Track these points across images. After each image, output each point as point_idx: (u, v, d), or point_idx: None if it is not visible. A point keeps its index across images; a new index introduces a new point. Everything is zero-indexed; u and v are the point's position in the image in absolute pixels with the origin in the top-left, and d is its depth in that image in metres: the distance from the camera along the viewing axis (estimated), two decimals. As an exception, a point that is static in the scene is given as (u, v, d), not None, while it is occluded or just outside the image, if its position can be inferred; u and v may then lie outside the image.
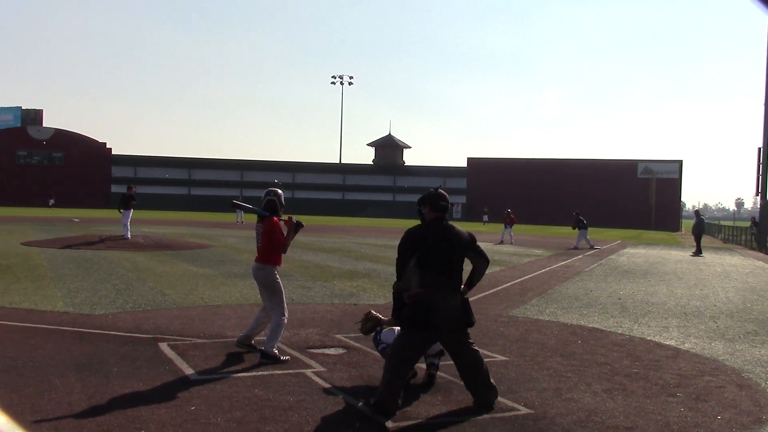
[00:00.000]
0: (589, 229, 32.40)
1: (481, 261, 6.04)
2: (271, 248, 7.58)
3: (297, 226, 7.62)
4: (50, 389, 5.98)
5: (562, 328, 10.07)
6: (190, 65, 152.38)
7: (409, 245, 5.85)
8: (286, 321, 7.56)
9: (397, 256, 5.95)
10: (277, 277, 7.64)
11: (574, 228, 32.23)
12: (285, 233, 7.63)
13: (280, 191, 7.93)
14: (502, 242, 33.59)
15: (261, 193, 8.03)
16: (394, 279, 6.30)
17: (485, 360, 6.10)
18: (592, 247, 30.94)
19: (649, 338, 9.47)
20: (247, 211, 7.69)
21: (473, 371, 5.92)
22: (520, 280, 16.68)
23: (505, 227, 34.53)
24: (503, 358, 7.78)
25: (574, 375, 7.12)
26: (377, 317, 7.06)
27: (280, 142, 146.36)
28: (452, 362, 6.11)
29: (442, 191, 6.08)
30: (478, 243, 6.10)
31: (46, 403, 5.60)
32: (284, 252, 7.63)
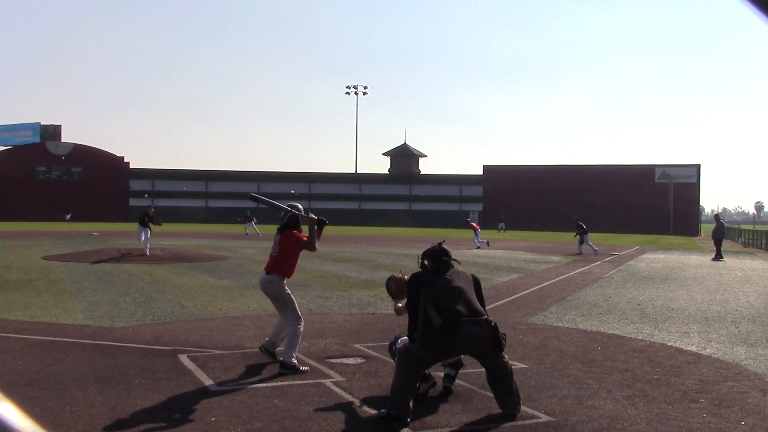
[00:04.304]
0: (607, 234, 32.29)
1: (482, 301, 6.23)
2: (292, 260, 7.61)
3: (320, 223, 7.64)
4: (72, 402, 6.02)
5: (581, 334, 10.01)
6: (205, 78, 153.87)
7: (414, 281, 6.18)
8: (302, 329, 7.57)
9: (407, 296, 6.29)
10: (287, 288, 7.65)
11: (575, 235, 32.32)
12: (308, 236, 7.62)
13: (301, 206, 7.96)
14: (479, 247, 34.54)
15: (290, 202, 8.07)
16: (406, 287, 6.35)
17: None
18: (595, 252, 30.78)
19: (669, 344, 9.38)
20: (267, 205, 7.73)
21: (497, 381, 5.92)
22: (538, 287, 16.60)
23: (475, 233, 36.17)
24: (523, 365, 7.74)
25: (595, 382, 7.07)
26: (401, 280, 6.97)
27: (296, 152, 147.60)
28: (472, 371, 6.08)
29: (445, 247, 6.39)
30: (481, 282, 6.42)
31: (68, 415, 5.64)
32: (312, 249, 7.62)
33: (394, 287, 6.98)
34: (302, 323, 7.63)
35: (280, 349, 7.70)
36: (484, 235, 40.61)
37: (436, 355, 5.93)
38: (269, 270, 7.66)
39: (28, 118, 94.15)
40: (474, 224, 37.70)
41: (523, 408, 5.95)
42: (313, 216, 7.60)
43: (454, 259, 6.39)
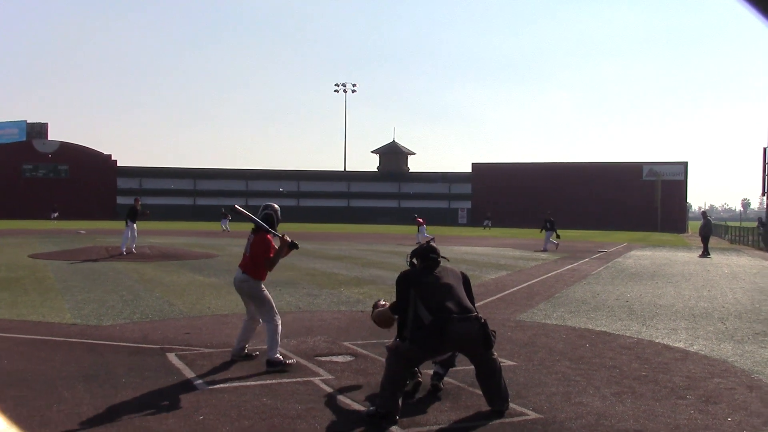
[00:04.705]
0: (595, 231, 32.49)
1: (471, 299, 6.29)
2: (258, 262, 7.54)
3: (291, 246, 7.49)
4: (59, 401, 5.99)
5: (569, 331, 10.05)
6: (194, 76, 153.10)
7: (403, 279, 6.25)
8: (280, 325, 7.53)
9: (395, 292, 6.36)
10: (263, 288, 7.61)
11: (541, 231, 32.47)
12: (276, 249, 7.53)
13: (277, 206, 7.87)
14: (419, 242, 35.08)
15: (266, 202, 8.03)
16: (395, 286, 6.37)
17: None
18: (545, 249, 30.95)
19: (657, 341, 9.43)
20: (248, 219, 7.67)
21: (486, 378, 5.95)
22: (527, 284, 16.65)
23: (418, 229, 37.21)
24: (511, 362, 7.76)
25: (583, 379, 7.10)
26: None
27: (284, 150, 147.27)
28: (461, 368, 6.10)
29: (434, 245, 6.48)
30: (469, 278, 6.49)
31: (56, 414, 5.61)
32: (269, 269, 7.56)
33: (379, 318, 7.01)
34: (279, 318, 7.59)
35: (258, 346, 7.66)
36: (474, 232, 40.66)
37: (426, 352, 5.95)
38: (244, 269, 7.61)
39: (14, 116, 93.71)
40: (420, 219, 38.31)
41: (511, 405, 5.96)
42: (288, 239, 7.49)
43: (442, 257, 6.42)
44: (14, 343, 8.55)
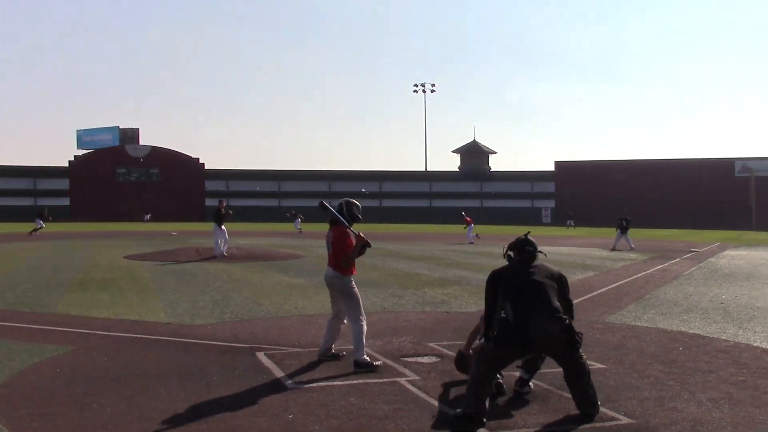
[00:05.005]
0: (686, 230, 31.45)
1: (567, 303, 6.18)
2: (339, 258, 7.64)
3: (364, 247, 7.63)
4: (155, 397, 6.22)
5: (661, 334, 9.76)
6: (276, 78, 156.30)
7: (490, 280, 6.25)
8: (365, 326, 7.61)
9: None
10: (353, 284, 7.71)
11: (617, 229, 31.70)
12: (354, 246, 7.61)
13: (356, 202, 7.98)
14: (471, 242, 36.05)
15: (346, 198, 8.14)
16: (485, 285, 6.33)
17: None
18: (614, 248, 30.41)
19: (755, 344, 9.05)
20: (332, 216, 7.77)
21: (574, 380, 5.84)
22: (615, 285, 16.25)
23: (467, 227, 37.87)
24: (601, 365, 7.59)
25: (677, 383, 6.88)
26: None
27: (365, 151, 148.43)
28: (549, 371, 6.01)
29: (531, 238, 6.36)
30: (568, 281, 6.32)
31: (152, 410, 5.82)
32: (346, 264, 7.62)
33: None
34: (365, 318, 7.66)
35: (344, 347, 7.73)
36: (558, 231, 39.99)
37: (509, 352, 5.87)
38: (333, 267, 7.73)
39: (107, 122, 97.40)
40: (468, 218, 38.64)
41: (602, 409, 5.83)
42: (363, 236, 7.60)
43: (539, 251, 6.33)
44: (113, 341, 8.92)
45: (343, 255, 7.59)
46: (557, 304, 5.97)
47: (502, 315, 5.96)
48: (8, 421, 5.53)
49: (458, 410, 5.70)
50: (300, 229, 48.64)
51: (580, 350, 5.87)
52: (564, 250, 30.64)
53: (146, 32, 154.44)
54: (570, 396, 5.95)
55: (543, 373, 6.77)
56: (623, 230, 31.17)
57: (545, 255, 6.40)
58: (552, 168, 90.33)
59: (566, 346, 5.79)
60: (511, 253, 6.39)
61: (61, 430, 5.38)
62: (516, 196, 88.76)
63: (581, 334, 5.92)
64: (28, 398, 6.19)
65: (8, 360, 7.70)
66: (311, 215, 76.12)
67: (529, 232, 6.46)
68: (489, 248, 29.69)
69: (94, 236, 39.11)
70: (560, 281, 6.20)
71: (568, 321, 5.85)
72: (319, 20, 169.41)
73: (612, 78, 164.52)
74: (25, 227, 52.10)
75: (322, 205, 8.04)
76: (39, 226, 40.98)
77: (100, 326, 9.96)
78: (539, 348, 5.94)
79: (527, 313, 5.78)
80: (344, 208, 7.80)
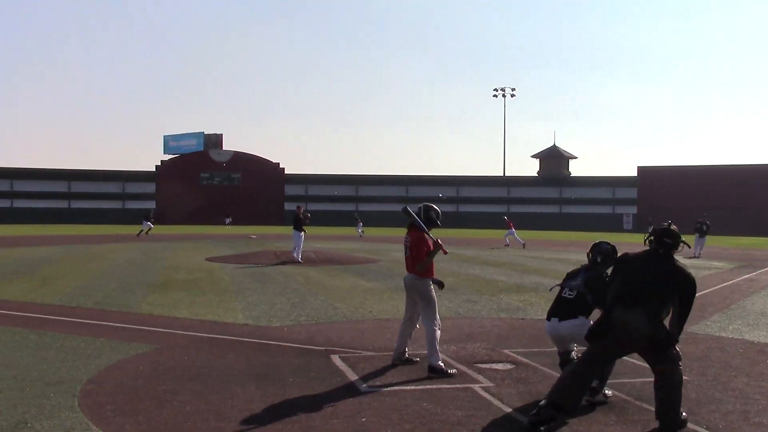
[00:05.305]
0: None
1: (680, 309, 5.74)
2: (417, 261, 7.64)
3: (436, 250, 7.64)
4: (232, 397, 6.36)
5: (747, 346, 9.37)
6: (354, 83, 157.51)
7: (617, 261, 6.10)
8: (439, 332, 7.59)
9: None
10: (431, 287, 7.71)
11: (695, 234, 30.49)
12: (431, 251, 7.66)
13: (435, 207, 8.00)
14: (507, 245, 37.29)
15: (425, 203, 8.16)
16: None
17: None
18: (696, 255, 29.16)
19: None
20: (414, 222, 7.79)
21: (657, 388, 5.62)
22: (699, 294, 15.62)
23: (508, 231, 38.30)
24: (683, 377, 7.33)
25: (763, 398, 6.59)
26: None
27: (443, 156, 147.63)
28: (627, 381, 5.86)
29: (674, 228, 5.99)
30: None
31: (229, 410, 5.95)
32: (420, 269, 7.63)
33: None
34: (439, 324, 7.64)
35: (417, 352, 7.71)
36: (639, 238, 38.92)
37: (603, 345, 5.70)
38: (411, 270, 7.75)
39: (193, 128, 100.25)
40: (509, 222, 38.76)
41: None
42: (441, 243, 7.62)
43: (683, 242, 5.94)
44: (193, 340, 9.17)
45: (419, 259, 7.61)
46: (659, 304, 5.61)
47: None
48: (93, 416, 5.75)
49: (543, 400, 5.64)
50: (362, 233, 49.20)
51: (677, 360, 5.61)
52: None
53: (230, 42, 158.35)
54: (651, 408, 5.77)
55: (621, 383, 6.61)
56: (701, 234, 30.24)
57: (689, 247, 6.00)
58: (635, 173, 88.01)
59: (648, 344, 5.55)
60: (653, 240, 5.97)
61: (142, 425, 5.56)
62: (596, 201, 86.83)
63: (672, 335, 5.61)
64: (112, 394, 6.42)
65: (95, 357, 8.01)
66: (371, 220, 76.95)
67: (670, 222, 6.09)
68: (569, 255, 29.20)
69: (178, 238, 40.31)
70: (683, 285, 5.69)
71: (656, 319, 5.55)
72: (398, 26, 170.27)
73: (698, 80, 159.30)
74: (114, 229, 54.05)
75: (405, 211, 8.03)
76: (148, 228, 42.65)
77: (181, 326, 10.25)
78: (621, 341, 5.66)
79: (616, 304, 5.64)
80: (422, 212, 7.82)
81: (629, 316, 5.55)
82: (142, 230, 42.42)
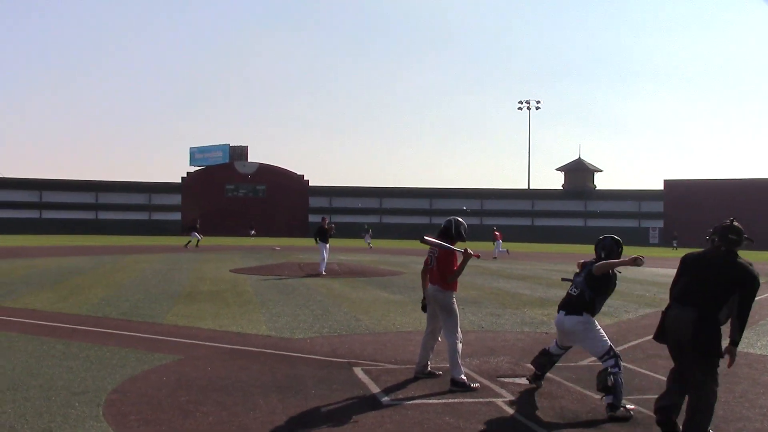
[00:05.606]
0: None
1: (740, 308, 5.54)
2: (446, 276, 7.64)
3: (467, 259, 7.65)
4: (255, 408, 6.38)
5: (776, 363, 9.23)
6: (378, 96, 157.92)
7: (680, 263, 5.95)
8: (461, 345, 7.58)
9: None
10: (455, 300, 7.71)
11: None
12: (460, 264, 7.71)
13: (461, 219, 8.02)
14: (495, 258, 36.92)
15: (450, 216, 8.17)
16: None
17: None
18: None
19: None
20: (438, 246, 7.78)
21: (689, 407, 5.53)
22: (726, 309, 15.46)
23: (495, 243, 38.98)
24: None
25: (792, 415, 6.49)
26: None
27: (467, 169, 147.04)
28: (651, 397, 5.79)
29: (737, 224, 5.79)
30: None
31: (251, 421, 5.97)
32: (451, 281, 7.66)
33: None
34: (460, 337, 7.62)
35: (439, 365, 7.70)
36: (664, 252, 38.56)
37: (669, 346, 5.71)
38: (435, 282, 7.73)
39: (219, 140, 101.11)
40: (497, 233, 39.69)
41: (709, 439, 5.56)
42: (470, 251, 7.61)
43: (747, 238, 5.75)
44: (216, 351, 9.22)
45: (450, 272, 7.64)
46: (714, 304, 5.47)
47: None
48: (117, 425, 5.80)
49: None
50: (370, 243, 49.98)
51: (715, 378, 5.49)
52: (673, 272, 29.44)
53: (256, 55, 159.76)
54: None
55: (647, 398, 6.54)
56: None
57: (752, 241, 5.80)
58: (661, 187, 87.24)
59: (692, 344, 5.44)
60: (715, 238, 5.78)
61: (166, 435, 5.59)
62: (622, 215, 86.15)
63: (715, 336, 5.41)
64: (136, 404, 6.48)
65: (120, 367, 8.09)
66: (394, 232, 76.89)
67: (733, 219, 5.90)
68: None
69: (203, 250, 40.57)
70: (744, 286, 5.49)
71: (706, 316, 5.41)
72: (423, 39, 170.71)
73: (728, 92, 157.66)
74: (140, 240, 54.55)
75: (424, 241, 7.98)
76: (197, 239, 42.95)
77: (205, 337, 10.31)
78: (675, 345, 5.59)
79: (673, 303, 5.63)
80: (453, 227, 7.86)
81: (679, 314, 5.52)
82: (189, 241, 42.72)
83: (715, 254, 5.67)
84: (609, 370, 6.34)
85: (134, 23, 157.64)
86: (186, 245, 42.22)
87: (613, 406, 6.19)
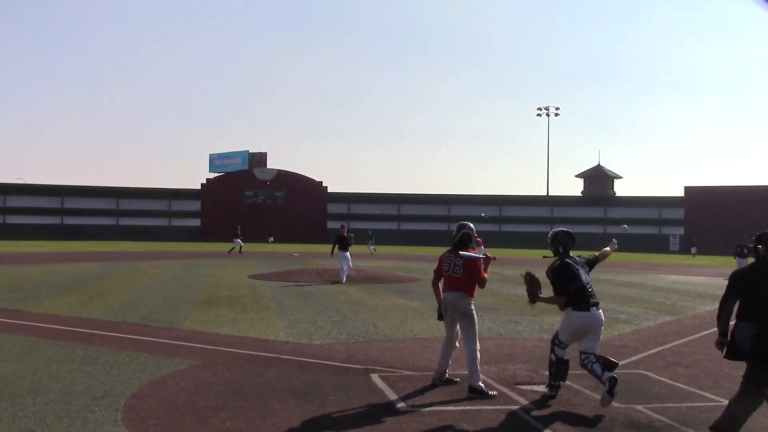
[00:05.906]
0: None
1: None
2: (470, 283, 7.64)
3: (488, 263, 7.84)
4: (272, 414, 6.39)
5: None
6: (397, 102, 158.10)
7: (730, 280, 5.81)
8: (479, 351, 7.56)
9: None
10: (473, 306, 7.71)
11: (734, 257, 29.73)
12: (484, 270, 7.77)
13: (472, 225, 8.08)
14: None
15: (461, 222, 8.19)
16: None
17: (707, 404, 5.63)
18: None
19: None
20: (469, 258, 7.76)
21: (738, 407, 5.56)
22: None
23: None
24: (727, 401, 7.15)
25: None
26: (536, 279, 7.50)
27: (485, 175, 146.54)
28: (672, 405, 5.73)
29: None
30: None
31: (268, 427, 5.98)
32: (482, 286, 7.74)
33: (530, 289, 7.46)
34: (478, 344, 7.59)
35: (457, 372, 7.67)
36: (684, 260, 38.15)
37: (747, 361, 5.59)
38: (458, 287, 7.69)
39: (238, 146, 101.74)
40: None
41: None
42: (489, 256, 7.77)
43: None
44: (234, 357, 9.25)
45: (479, 278, 7.69)
46: None
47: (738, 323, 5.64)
48: (136, 430, 5.83)
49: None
50: (373, 250, 50.25)
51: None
52: (694, 279, 29.24)
53: (274, 63, 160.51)
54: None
55: (666, 407, 6.46)
56: (743, 258, 29.22)
57: None
58: (681, 193, 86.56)
59: (752, 360, 5.41)
60: (759, 246, 5.66)
61: (184, 440, 5.61)
62: (642, 222, 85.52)
63: None
64: (154, 408, 6.51)
65: (139, 372, 8.13)
66: (413, 239, 76.65)
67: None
68: (615, 276, 28.75)
69: (222, 256, 40.75)
70: None
71: None
72: (442, 46, 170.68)
73: (751, 97, 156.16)
74: (160, 246, 54.90)
75: (461, 257, 7.94)
76: (239, 246, 43.38)
77: (223, 342, 10.35)
78: (750, 359, 5.54)
79: (737, 320, 5.55)
80: (472, 236, 8.00)
81: (740, 328, 5.50)
82: (233, 248, 43.03)
83: (764, 265, 5.62)
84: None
85: (154, 34, 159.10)
86: (230, 251, 42.63)
87: (552, 385, 6.81)
